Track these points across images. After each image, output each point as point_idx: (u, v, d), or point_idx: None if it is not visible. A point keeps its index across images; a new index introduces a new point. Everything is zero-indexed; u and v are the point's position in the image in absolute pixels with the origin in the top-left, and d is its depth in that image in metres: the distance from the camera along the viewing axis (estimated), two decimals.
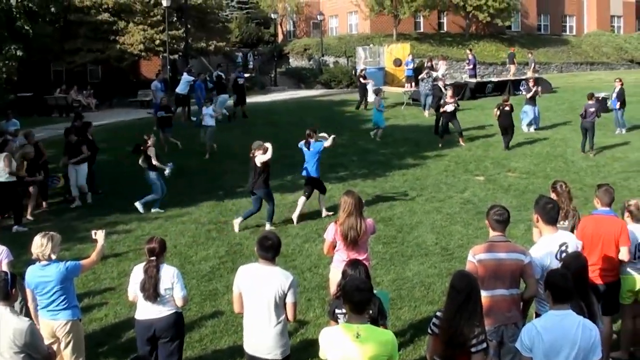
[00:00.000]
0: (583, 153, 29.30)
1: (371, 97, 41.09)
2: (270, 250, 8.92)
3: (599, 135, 31.31)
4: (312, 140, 20.49)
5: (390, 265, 16.42)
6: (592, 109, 29.60)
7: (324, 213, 21.00)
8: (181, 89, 38.84)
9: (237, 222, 19.83)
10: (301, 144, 20.83)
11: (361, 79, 42.72)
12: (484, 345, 7.72)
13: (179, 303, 9.89)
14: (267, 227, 19.64)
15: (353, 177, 25.39)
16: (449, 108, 31.08)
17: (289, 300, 8.84)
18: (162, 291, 9.71)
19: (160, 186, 22.02)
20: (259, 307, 8.84)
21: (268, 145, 19.32)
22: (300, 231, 19.23)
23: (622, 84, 33.94)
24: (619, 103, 33.36)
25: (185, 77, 39.18)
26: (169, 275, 9.79)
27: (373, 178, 25.30)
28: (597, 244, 10.47)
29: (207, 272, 16.16)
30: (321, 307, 13.44)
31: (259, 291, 8.82)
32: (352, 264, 9.16)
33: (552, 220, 9.76)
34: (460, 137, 31.27)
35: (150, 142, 21.93)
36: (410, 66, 49.79)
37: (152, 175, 21.88)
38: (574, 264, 8.48)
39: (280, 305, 8.83)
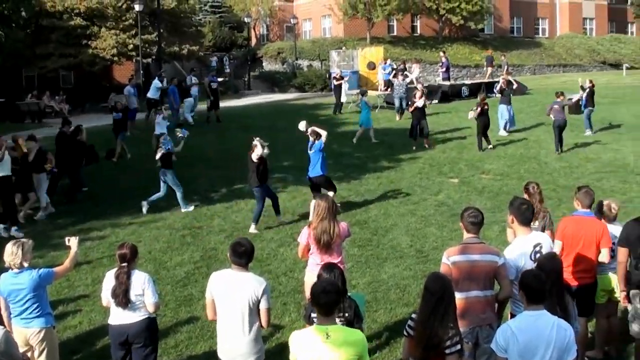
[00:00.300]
0: (557, 154, 29.46)
1: (344, 98, 41.13)
2: (243, 256, 8.89)
3: (572, 137, 31.49)
4: (315, 142, 20.62)
5: (365, 268, 16.39)
6: (557, 106, 29.87)
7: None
8: (151, 93, 38.74)
9: (252, 227, 19.88)
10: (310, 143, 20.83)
11: (334, 81, 42.65)
12: (458, 346, 7.74)
13: (150, 309, 9.83)
14: (252, 228, 19.77)
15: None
16: (420, 103, 31.18)
17: (263, 306, 8.82)
18: (133, 297, 9.66)
19: (165, 187, 22.14)
20: (232, 314, 8.81)
21: (256, 142, 19.67)
22: (275, 235, 19.18)
23: (592, 85, 34.19)
24: (587, 103, 33.65)
25: (155, 83, 39.11)
26: (139, 281, 9.73)
27: (348, 181, 25.28)
28: (577, 245, 10.50)
29: (182, 277, 16.09)
30: (297, 311, 13.41)
31: (232, 297, 8.79)
32: (328, 267, 9.14)
33: (526, 221, 9.80)
34: (425, 139, 31.25)
35: (160, 142, 22.06)
36: (388, 70, 49.82)
37: (167, 173, 22.04)
38: (549, 265, 8.50)
39: (254, 311, 8.81)
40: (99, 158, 27.04)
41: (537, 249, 9.60)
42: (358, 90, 40.97)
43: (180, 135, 22.82)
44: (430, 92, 42.46)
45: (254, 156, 19.59)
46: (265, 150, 19.76)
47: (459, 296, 8.92)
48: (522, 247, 9.63)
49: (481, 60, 67.05)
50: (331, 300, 7.20)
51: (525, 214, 9.76)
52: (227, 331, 8.92)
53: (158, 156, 22.08)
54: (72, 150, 24.08)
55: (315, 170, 20.79)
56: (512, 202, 10.03)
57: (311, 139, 20.75)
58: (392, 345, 11.96)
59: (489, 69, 56.42)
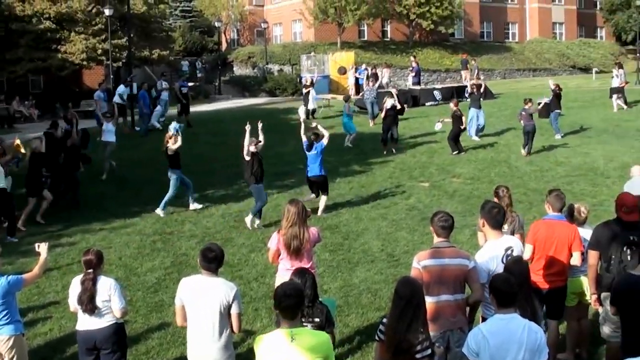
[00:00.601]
0: (524, 154, 29.73)
1: (311, 105, 41.05)
2: (213, 261, 8.85)
3: (542, 140, 31.64)
4: (315, 143, 21.49)
5: (337, 272, 16.39)
6: (524, 113, 30.11)
7: (320, 213, 21.59)
8: (117, 99, 38.56)
9: (248, 220, 20.46)
10: (305, 143, 21.79)
11: (304, 88, 42.55)
12: (429, 351, 7.77)
13: (117, 315, 9.78)
14: (248, 219, 20.37)
15: (299, 185, 25.28)
16: (388, 104, 31.33)
17: (234, 311, 8.80)
18: (99, 303, 9.62)
19: (175, 185, 22.35)
20: (203, 319, 8.78)
21: (246, 141, 20.11)
22: (246, 241, 19.14)
23: (559, 89, 34.40)
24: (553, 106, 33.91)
25: (120, 88, 39.00)
26: (106, 287, 9.68)
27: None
28: (549, 249, 10.54)
29: (153, 283, 16.01)
30: (268, 316, 13.38)
31: (202, 303, 8.76)
32: (299, 272, 9.15)
33: (498, 224, 9.83)
34: (393, 145, 31.36)
35: (170, 142, 22.22)
36: (363, 75, 49.88)
37: (173, 173, 22.33)
38: (516, 268, 8.53)
39: (224, 317, 8.78)
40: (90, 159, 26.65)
41: (509, 252, 9.63)
42: (329, 96, 41.08)
43: (172, 132, 22.74)
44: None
45: (244, 154, 20.10)
46: (252, 148, 20.11)
47: (429, 300, 8.92)
48: (493, 250, 9.66)
49: (451, 64, 67.48)
50: (292, 304, 7.20)
51: (497, 218, 9.79)
52: (197, 337, 8.89)
53: (171, 152, 22.32)
54: (66, 154, 23.90)
55: (316, 170, 21.69)
56: (483, 205, 10.06)
57: (304, 139, 21.81)
58: (364, 349, 11.95)
59: (465, 72, 56.65)
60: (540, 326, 8.21)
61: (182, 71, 61.02)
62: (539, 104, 34.14)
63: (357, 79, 50.71)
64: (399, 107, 32.47)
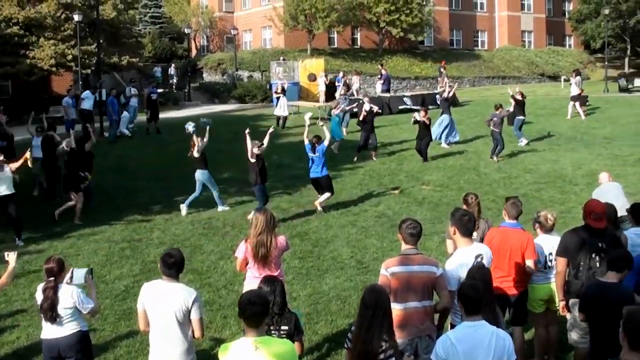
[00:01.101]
0: (492, 160, 30.03)
1: (277, 111, 40.95)
2: (172, 267, 8.89)
3: (510, 147, 31.79)
4: (317, 146, 22.70)
5: (306, 279, 16.39)
6: (496, 118, 30.29)
7: (319, 209, 22.82)
8: (85, 105, 38.36)
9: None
10: (307, 146, 22.94)
11: (275, 94, 42.37)
12: (393, 359, 7.80)
13: (87, 314, 9.88)
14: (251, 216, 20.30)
15: (268, 192, 25.29)
16: (367, 106, 31.55)
17: (194, 316, 8.83)
18: (61, 311, 9.59)
19: (201, 186, 23.27)
20: (163, 324, 8.83)
21: (249, 144, 21.58)
22: (215, 248, 19.11)
23: (523, 96, 34.62)
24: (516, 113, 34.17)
25: (86, 94, 38.83)
26: (68, 294, 9.65)
27: (289, 193, 25.29)
28: (504, 256, 10.58)
29: (121, 291, 15.96)
30: (237, 324, 13.33)
31: (163, 308, 8.81)
32: (268, 280, 9.16)
33: (468, 232, 9.85)
34: (373, 152, 31.44)
35: (196, 143, 22.99)
36: (340, 83, 50.07)
37: (200, 174, 23.21)
38: (478, 275, 8.58)
39: (185, 322, 8.83)
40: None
41: (479, 259, 9.65)
42: (298, 103, 41.02)
43: (204, 121, 24.40)
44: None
45: (250, 156, 21.37)
46: (256, 150, 21.38)
47: (397, 307, 9.00)
48: (463, 258, 9.67)
49: (421, 72, 67.71)
50: (257, 312, 7.19)
51: (467, 226, 9.81)
52: (158, 342, 8.95)
53: (196, 155, 23.06)
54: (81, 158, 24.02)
55: (321, 171, 22.94)
56: (453, 213, 10.08)
57: (306, 142, 22.98)
58: (333, 357, 11.96)
59: (444, 79, 57.10)
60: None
61: (154, 77, 60.74)
62: (507, 110, 34.34)
63: (334, 86, 50.64)
64: (376, 109, 32.74)
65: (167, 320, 8.78)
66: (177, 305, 8.73)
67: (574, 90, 43.26)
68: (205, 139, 23.28)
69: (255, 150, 21.40)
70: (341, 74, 52.29)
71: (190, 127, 23.59)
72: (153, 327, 8.95)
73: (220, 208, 23.51)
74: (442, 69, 56.42)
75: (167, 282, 8.89)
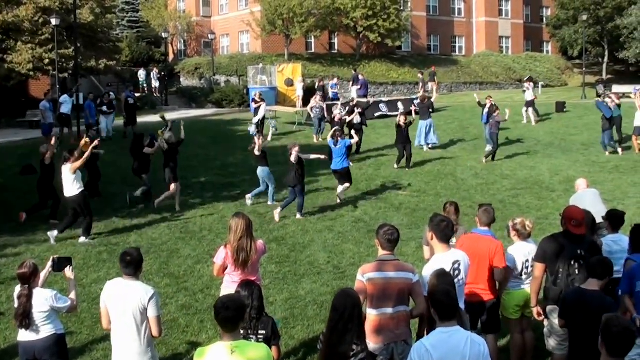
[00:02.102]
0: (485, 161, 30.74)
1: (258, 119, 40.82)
2: (130, 265, 9.00)
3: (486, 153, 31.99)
4: (339, 139, 25.00)
5: (283, 284, 16.40)
6: (496, 120, 30.99)
7: (339, 200, 24.98)
8: (64, 109, 38.25)
9: (277, 213, 22.68)
10: (330, 141, 25.33)
11: (254, 103, 41.55)
12: None
13: (67, 312, 10.02)
14: (298, 216, 22.85)
15: (244, 197, 25.30)
16: (356, 119, 31.98)
17: (150, 314, 8.92)
18: (35, 316, 9.61)
19: (265, 182, 24.89)
20: (122, 322, 8.95)
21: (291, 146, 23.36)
22: (192, 252, 19.08)
23: (492, 102, 34.89)
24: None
25: (63, 98, 38.71)
26: (42, 299, 9.66)
27: (265, 197, 25.25)
28: (473, 263, 10.57)
29: (98, 294, 15.61)
30: (214, 328, 13.32)
31: (121, 306, 8.92)
32: (245, 285, 9.19)
33: (445, 238, 9.85)
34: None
35: (257, 142, 24.53)
36: (336, 89, 50.11)
37: (260, 171, 24.80)
38: (442, 281, 8.59)
39: (143, 320, 8.92)
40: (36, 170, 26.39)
41: (456, 266, 9.68)
42: (275, 108, 41.00)
43: (252, 132, 26.60)
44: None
45: (292, 159, 22.75)
46: (293, 155, 22.83)
47: (373, 313, 9.09)
48: (440, 264, 9.66)
49: (398, 77, 67.79)
50: (230, 316, 7.22)
51: (445, 232, 9.82)
52: (118, 340, 9.06)
53: (257, 153, 24.51)
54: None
55: (342, 163, 24.96)
56: (432, 218, 10.08)
57: (328, 138, 25.57)
58: None
59: (433, 84, 57.44)
60: None
61: (139, 82, 60.51)
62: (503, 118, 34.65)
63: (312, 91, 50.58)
64: (359, 110, 33.37)
65: (126, 318, 8.89)
66: (135, 303, 8.84)
67: (529, 97, 44.49)
68: (269, 139, 25.69)
69: (295, 152, 22.92)
70: (335, 80, 52.56)
71: (251, 128, 26.32)
72: (113, 324, 9.08)
73: (270, 202, 24.76)
74: (419, 74, 56.85)
75: (126, 280, 9.01)
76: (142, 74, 61.86)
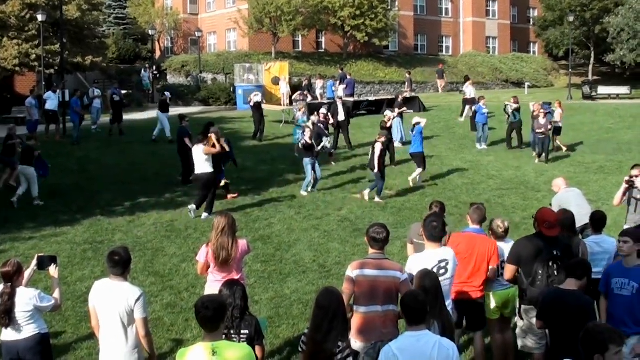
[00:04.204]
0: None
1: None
2: (118, 265, 8.98)
3: (474, 154, 32.01)
4: (416, 126, 27.63)
5: (268, 283, 16.39)
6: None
7: (411, 184, 27.24)
8: (50, 105, 38.14)
9: (366, 193, 25.10)
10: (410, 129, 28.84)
11: (251, 104, 40.17)
12: (351, 359, 7.90)
13: (50, 310, 9.99)
14: (376, 199, 24.78)
15: (229, 193, 25.27)
16: (323, 111, 32.01)
17: (137, 315, 8.92)
18: (18, 315, 9.55)
19: (310, 172, 26.06)
20: (110, 322, 8.95)
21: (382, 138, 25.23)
22: (177, 251, 19.03)
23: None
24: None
25: (48, 94, 38.60)
26: (26, 298, 9.61)
27: (251, 196, 25.23)
28: (469, 262, 10.60)
29: (83, 293, 15.79)
30: (198, 327, 13.12)
31: (108, 307, 8.92)
32: (229, 284, 9.17)
33: (431, 237, 9.95)
34: (330, 156, 31.63)
35: (306, 131, 26.96)
36: (335, 87, 50.15)
37: (305, 159, 26.26)
38: (429, 281, 8.63)
39: (130, 322, 8.93)
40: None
41: (443, 264, 9.72)
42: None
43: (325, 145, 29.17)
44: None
45: (377, 147, 24.72)
46: (378, 144, 24.84)
47: (360, 310, 9.17)
48: (425, 260, 9.76)
49: (385, 76, 67.84)
50: (210, 316, 7.23)
51: (431, 232, 9.92)
52: (106, 340, 9.07)
53: (301, 145, 26.55)
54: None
55: (414, 147, 27.79)
56: (425, 218, 10.23)
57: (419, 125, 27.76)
58: None
59: (442, 82, 57.90)
60: (454, 338, 8.36)
61: (143, 83, 60.38)
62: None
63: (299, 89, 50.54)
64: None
65: (113, 319, 8.89)
66: (122, 304, 8.83)
67: (469, 94, 45.60)
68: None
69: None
70: (330, 81, 52.60)
71: (325, 142, 28.63)
72: (101, 325, 9.08)
73: (303, 193, 25.81)
74: (407, 74, 57.12)
75: (113, 281, 9.01)
76: (145, 75, 61.49)
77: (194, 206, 22.30)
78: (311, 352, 7.95)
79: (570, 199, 15.86)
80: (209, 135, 22.72)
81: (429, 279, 8.71)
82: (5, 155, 26.53)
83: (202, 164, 22.18)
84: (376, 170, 24.70)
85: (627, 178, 15.70)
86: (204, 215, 22.10)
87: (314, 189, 26.16)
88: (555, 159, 32.87)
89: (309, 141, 26.40)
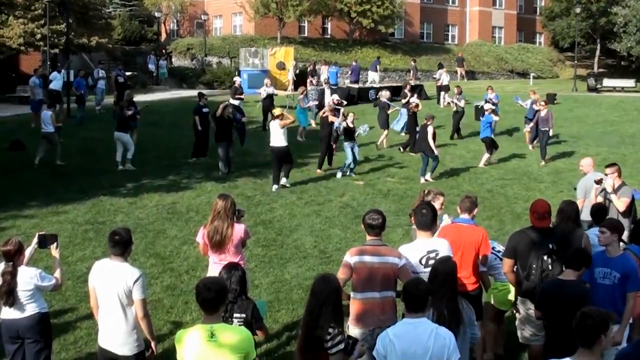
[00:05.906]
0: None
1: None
2: (117, 245, 8.99)
3: (477, 144, 31.92)
4: (486, 114, 29.69)
5: (269, 268, 16.40)
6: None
7: (482, 164, 29.21)
8: (55, 85, 38.15)
9: (428, 176, 26.38)
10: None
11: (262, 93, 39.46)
12: (341, 346, 7.95)
13: (51, 290, 10.01)
14: (428, 177, 26.30)
15: (233, 179, 25.27)
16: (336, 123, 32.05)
17: (135, 296, 8.91)
18: (20, 294, 9.53)
19: (350, 154, 26.68)
20: (109, 302, 8.97)
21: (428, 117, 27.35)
22: (178, 233, 19.03)
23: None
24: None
25: (54, 74, 38.60)
26: (27, 277, 9.59)
27: (253, 180, 25.24)
28: (455, 253, 10.51)
29: (83, 273, 15.76)
30: (198, 310, 13.15)
31: (108, 286, 8.93)
32: (227, 267, 9.18)
33: (420, 225, 9.90)
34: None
35: (339, 119, 27.49)
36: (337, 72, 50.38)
37: (345, 143, 26.95)
38: (441, 268, 8.62)
39: (129, 302, 8.94)
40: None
41: (432, 255, 9.63)
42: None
43: (362, 132, 29.03)
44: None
45: (429, 130, 26.50)
46: (430, 127, 26.72)
47: (357, 297, 9.22)
48: (414, 250, 9.77)
49: (390, 64, 67.74)
50: (210, 298, 7.26)
51: (421, 220, 9.88)
52: (105, 320, 9.10)
53: (342, 129, 27.06)
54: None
55: (483, 133, 29.56)
56: (417, 206, 10.18)
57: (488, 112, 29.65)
58: (293, 345, 11.94)
59: (461, 70, 58.17)
60: (466, 330, 8.36)
61: (161, 71, 60.09)
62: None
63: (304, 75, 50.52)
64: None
65: (112, 299, 8.91)
66: (120, 285, 8.84)
67: (445, 81, 47.69)
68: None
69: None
70: (353, 65, 53.00)
71: (361, 130, 28.63)
72: (100, 305, 9.10)
73: (338, 175, 26.60)
74: (412, 62, 57.11)
75: (114, 261, 9.01)
76: (162, 64, 60.83)
77: (284, 179, 24.61)
78: (304, 338, 8.04)
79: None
80: (278, 113, 24.91)
81: (443, 265, 8.71)
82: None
83: (278, 137, 24.23)
84: (435, 152, 26.46)
85: (596, 178, 15.38)
86: (283, 180, 24.56)
87: (352, 173, 26.80)
88: (558, 151, 32.75)
89: (351, 125, 26.91)
